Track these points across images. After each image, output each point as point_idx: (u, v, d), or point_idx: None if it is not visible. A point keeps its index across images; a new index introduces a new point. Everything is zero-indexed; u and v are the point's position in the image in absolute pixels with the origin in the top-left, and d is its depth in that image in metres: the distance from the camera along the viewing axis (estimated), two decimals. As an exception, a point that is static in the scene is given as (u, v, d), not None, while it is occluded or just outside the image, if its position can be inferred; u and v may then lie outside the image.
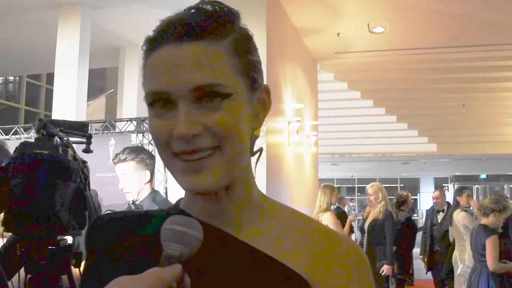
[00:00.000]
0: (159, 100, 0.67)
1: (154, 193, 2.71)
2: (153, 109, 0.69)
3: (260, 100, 0.74)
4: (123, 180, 2.69)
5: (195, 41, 0.66)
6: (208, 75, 0.65)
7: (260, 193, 0.79)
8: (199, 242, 0.60)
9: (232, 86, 0.67)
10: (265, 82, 0.76)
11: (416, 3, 6.09)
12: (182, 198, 0.80)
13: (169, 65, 0.66)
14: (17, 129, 5.97)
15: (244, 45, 0.71)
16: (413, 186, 20.70)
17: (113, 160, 2.74)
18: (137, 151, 2.78)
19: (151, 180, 2.71)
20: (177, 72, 0.66)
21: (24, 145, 1.37)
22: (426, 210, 8.50)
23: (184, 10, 0.71)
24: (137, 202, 2.63)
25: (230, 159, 0.68)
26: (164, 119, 0.67)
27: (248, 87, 0.71)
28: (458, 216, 5.75)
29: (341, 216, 6.96)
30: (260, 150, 0.80)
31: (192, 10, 0.70)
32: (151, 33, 0.70)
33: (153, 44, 0.69)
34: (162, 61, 0.67)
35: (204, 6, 0.70)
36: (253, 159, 0.79)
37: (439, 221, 6.69)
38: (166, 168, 0.74)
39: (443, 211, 6.70)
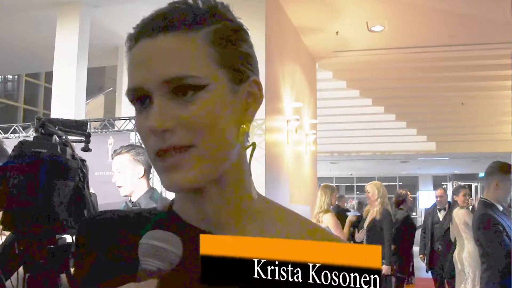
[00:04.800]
0: (139, 97, 0.65)
1: (151, 190, 2.64)
2: (136, 107, 0.67)
3: (250, 94, 0.69)
4: (116, 174, 2.64)
5: (170, 33, 0.64)
6: (179, 66, 0.63)
7: (257, 194, 0.74)
8: (178, 258, 0.59)
9: (208, 77, 0.64)
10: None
11: (415, 1, 6.09)
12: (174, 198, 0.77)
13: (143, 60, 0.64)
14: (16, 127, 5.96)
15: (227, 36, 0.67)
16: (412, 184, 20.67)
17: (111, 156, 2.73)
18: (133, 146, 2.77)
19: (147, 177, 2.65)
20: (150, 66, 0.63)
21: (22, 143, 1.37)
22: (426, 209, 8.49)
23: (168, 4, 0.68)
24: (134, 200, 2.58)
25: (209, 154, 0.64)
26: (144, 115, 0.65)
27: (231, 78, 0.67)
28: (459, 213, 5.73)
29: (340, 215, 6.94)
30: (253, 144, 0.74)
31: (176, 5, 0.67)
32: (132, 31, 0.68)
33: (132, 41, 0.67)
34: (137, 57, 0.65)
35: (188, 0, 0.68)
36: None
37: (440, 219, 6.69)
38: None
39: (444, 209, 6.70)
